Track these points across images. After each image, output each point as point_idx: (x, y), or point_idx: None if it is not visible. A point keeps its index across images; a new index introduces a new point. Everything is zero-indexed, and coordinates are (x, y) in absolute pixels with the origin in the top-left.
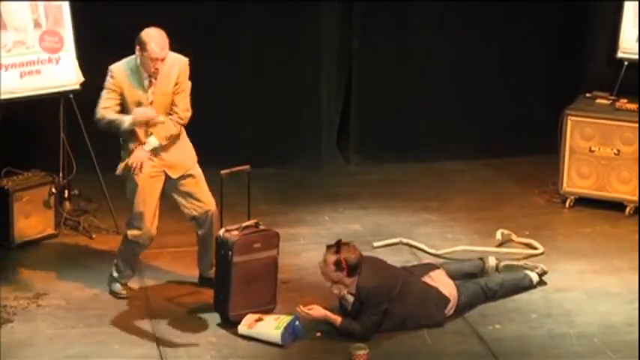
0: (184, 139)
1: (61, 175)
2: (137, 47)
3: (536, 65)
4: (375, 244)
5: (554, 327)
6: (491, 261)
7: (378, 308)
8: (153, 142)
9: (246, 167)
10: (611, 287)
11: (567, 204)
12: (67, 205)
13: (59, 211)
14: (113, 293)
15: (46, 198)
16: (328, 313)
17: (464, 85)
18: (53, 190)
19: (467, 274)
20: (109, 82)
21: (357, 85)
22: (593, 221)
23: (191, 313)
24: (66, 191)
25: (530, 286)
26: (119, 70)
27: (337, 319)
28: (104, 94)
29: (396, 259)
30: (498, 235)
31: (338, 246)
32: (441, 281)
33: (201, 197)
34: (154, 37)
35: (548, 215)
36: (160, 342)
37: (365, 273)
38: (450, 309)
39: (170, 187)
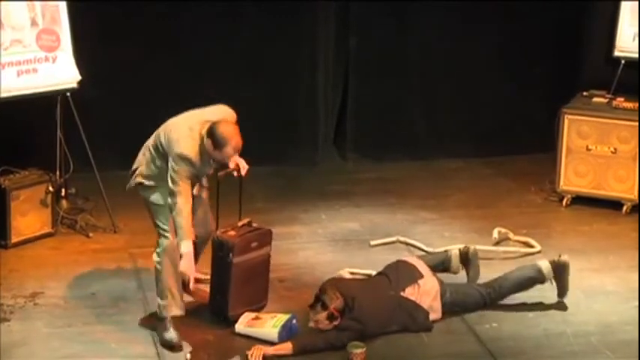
0: None
1: (57, 173)
2: (210, 141)
3: (534, 64)
4: (372, 242)
5: (551, 326)
6: (454, 251)
7: (349, 339)
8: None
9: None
10: (609, 286)
11: (564, 202)
12: (64, 203)
13: (56, 209)
14: (166, 344)
15: (42, 196)
16: (275, 347)
17: (461, 83)
18: (50, 188)
19: (435, 267)
20: (186, 170)
21: (354, 83)
22: (590, 219)
23: (189, 311)
24: (63, 190)
25: (540, 277)
26: (195, 155)
27: (287, 346)
28: (182, 187)
29: (393, 257)
30: (495, 234)
31: (321, 301)
32: (423, 293)
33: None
34: (232, 140)
35: (546, 213)
36: (158, 340)
37: (349, 314)
38: (433, 317)
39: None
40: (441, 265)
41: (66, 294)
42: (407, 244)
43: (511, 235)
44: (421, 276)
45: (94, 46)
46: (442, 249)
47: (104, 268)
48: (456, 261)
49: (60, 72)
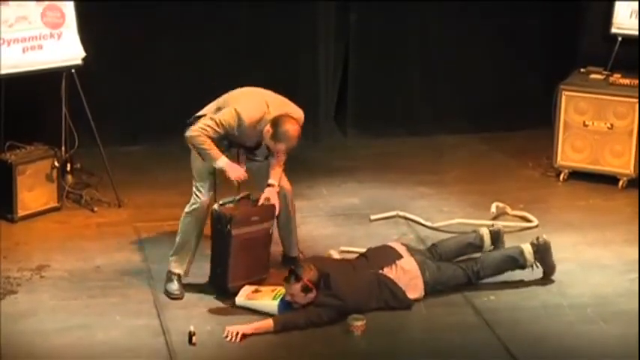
0: None
1: (63, 148)
2: (272, 130)
3: (532, 40)
4: (372, 217)
5: (548, 298)
6: (484, 230)
7: (330, 317)
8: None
9: None
10: (604, 259)
11: (561, 177)
12: (70, 178)
13: (62, 184)
14: (167, 293)
15: (48, 171)
16: (255, 326)
17: (460, 59)
18: (56, 163)
19: (467, 247)
20: (228, 125)
21: (354, 59)
22: (586, 194)
23: (192, 285)
24: (68, 165)
25: (521, 259)
26: (249, 123)
27: (268, 323)
28: (215, 125)
29: (392, 231)
30: (493, 208)
31: (295, 274)
32: (401, 272)
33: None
34: (291, 141)
35: (543, 189)
36: (161, 313)
37: (325, 290)
38: (414, 295)
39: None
40: (470, 247)
41: (71, 267)
42: (406, 218)
43: (508, 210)
44: (400, 257)
45: (99, 22)
46: (445, 222)
47: (109, 242)
48: (487, 240)
49: (65, 49)
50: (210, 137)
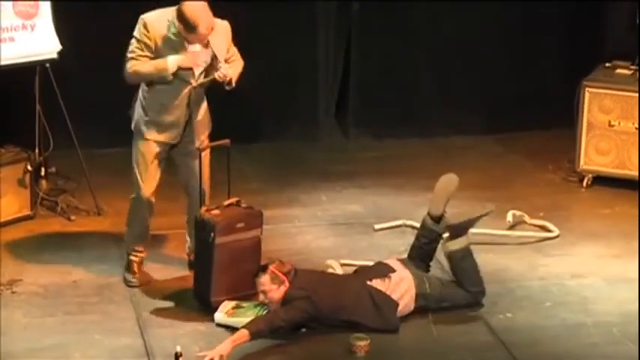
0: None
1: (37, 151)
2: (181, 25)
3: (551, 32)
4: (377, 226)
5: (569, 316)
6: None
7: (301, 311)
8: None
9: (226, 141)
10: (632, 272)
11: (585, 183)
12: (44, 183)
13: (35, 190)
14: (125, 281)
15: (20, 176)
16: (232, 340)
17: (471, 53)
18: (28, 167)
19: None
20: (141, 33)
21: (356, 52)
22: (612, 201)
23: (178, 300)
24: (42, 169)
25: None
26: (156, 23)
27: (243, 334)
28: (135, 47)
29: (399, 242)
30: (509, 217)
31: (262, 267)
32: (395, 284)
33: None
34: (202, 19)
35: (564, 195)
36: (145, 332)
37: (296, 284)
38: (408, 309)
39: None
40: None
41: (46, 281)
42: (413, 227)
43: (527, 219)
44: (393, 270)
45: (77, 13)
46: None
47: (87, 254)
48: None
49: (39, 41)
50: (140, 59)
